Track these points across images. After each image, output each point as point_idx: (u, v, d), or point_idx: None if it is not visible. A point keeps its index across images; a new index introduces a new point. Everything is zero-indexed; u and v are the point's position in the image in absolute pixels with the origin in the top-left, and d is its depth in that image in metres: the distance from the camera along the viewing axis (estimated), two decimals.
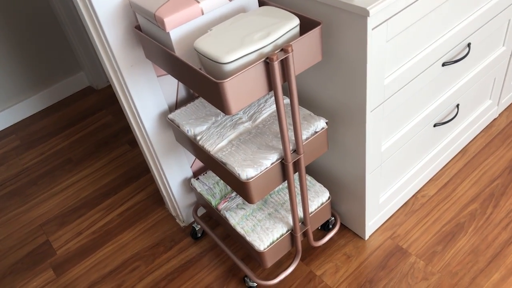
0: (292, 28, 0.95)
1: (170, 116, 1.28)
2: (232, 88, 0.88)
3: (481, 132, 1.74)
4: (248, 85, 0.90)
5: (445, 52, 1.24)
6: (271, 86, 0.95)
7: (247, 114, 1.24)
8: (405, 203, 1.54)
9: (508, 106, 1.82)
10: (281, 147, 1.10)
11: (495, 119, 1.78)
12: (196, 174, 1.56)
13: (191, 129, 1.21)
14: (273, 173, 1.09)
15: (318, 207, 1.31)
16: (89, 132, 2.16)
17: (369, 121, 1.13)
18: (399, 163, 1.39)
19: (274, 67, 0.90)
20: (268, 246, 1.23)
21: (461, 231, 1.43)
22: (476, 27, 1.29)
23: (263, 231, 1.26)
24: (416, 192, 1.57)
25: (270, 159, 1.08)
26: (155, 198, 1.75)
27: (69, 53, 2.35)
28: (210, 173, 1.48)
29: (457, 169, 1.62)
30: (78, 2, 1.07)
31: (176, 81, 1.32)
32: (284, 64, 0.93)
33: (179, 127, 1.24)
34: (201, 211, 1.64)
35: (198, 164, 1.54)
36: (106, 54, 1.16)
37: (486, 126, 1.75)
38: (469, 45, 1.31)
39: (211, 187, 1.43)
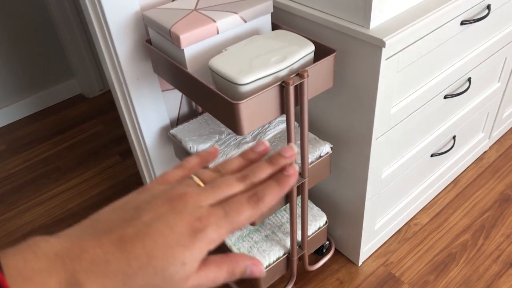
0: (308, 54, 0.95)
1: (172, 131, 1.26)
2: (246, 109, 0.88)
3: (472, 164, 1.77)
4: (262, 107, 0.90)
5: (448, 85, 1.26)
6: (283, 109, 0.94)
7: (251, 134, 1.23)
8: (398, 231, 1.55)
9: (498, 139, 1.87)
10: None
11: (485, 151, 1.82)
12: None
13: (194, 146, 1.19)
14: None
15: (316, 231, 1.31)
16: (78, 141, 2.11)
17: (374, 149, 1.14)
18: (396, 191, 1.40)
19: (289, 91, 0.90)
20: (264, 269, 1.21)
21: (453, 262, 1.44)
22: (477, 63, 1.33)
23: (260, 253, 1.25)
24: (409, 220, 1.58)
25: None
26: None
27: (61, 59, 2.31)
28: None
29: (449, 199, 1.64)
30: (89, 12, 1.06)
31: (179, 96, 1.31)
32: (299, 88, 0.93)
33: (181, 143, 1.23)
34: None
35: None
36: (113, 66, 1.15)
37: (477, 158, 1.79)
38: (469, 79, 1.34)
39: None
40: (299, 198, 1.23)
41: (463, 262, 1.44)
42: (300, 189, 1.11)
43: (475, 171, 1.74)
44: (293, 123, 0.96)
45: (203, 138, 1.22)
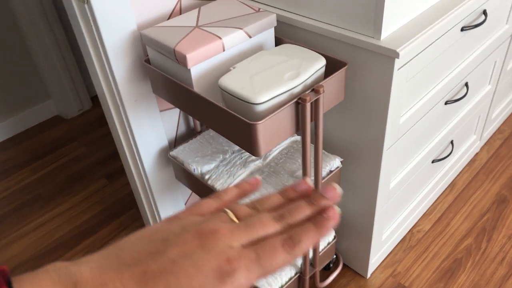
0: (320, 68, 0.92)
1: (173, 153, 1.20)
2: (264, 130, 0.84)
3: (465, 166, 1.78)
4: (278, 126, 0.86)
5: (448, 91, 1.26)
6: (298, 126, 0.91)
7: None
8: (402, 239, 1.54)
9: (488, 140, 1.89)
10: None
11: (477, 153, 1.84)
12: None
13: (197, 168, 1.14)
14: None
15: (325, 247, 1.27)
16: (60, 165, 2.01)
17: (384, 160, 1.12)
18: (401, 199, 1.38)
19: (306, 108, 0.87)
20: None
21: (459, 267, 1.44)
22: (473, 67, 1.34)
23: (271, 275, 1.20)
24: (412, 227, 1.57)
25: None
26: None
27: (36, 79, 2.21)
28: None
29: (448, 203, 1.65)
30: (83, 34, 0.99)
31: (177, 116, 1.26)
32: (313, 104, 0.89)
33: (183, 164, 1.17)
34: None
35: (193, 201, 1.46)
36: (108, 88, 1.08)
37: (470, 160, 1.81)
38: (466, 84, 1.35)
39: None
40: None
41: (469, 267, 1.44)
42: None
43: (469, 173, 1.76)
44: (309, 140, 0.92)
45: (207, 159, 1.17)
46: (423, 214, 1.61)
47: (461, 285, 1.39)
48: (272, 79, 0.88)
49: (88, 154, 2.06)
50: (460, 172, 1.76)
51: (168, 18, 1.10)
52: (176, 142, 1.29)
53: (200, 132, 1.28)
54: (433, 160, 1.43)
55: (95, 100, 2.40)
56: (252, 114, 0.86)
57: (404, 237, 1.54)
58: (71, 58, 2.19)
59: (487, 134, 1.84)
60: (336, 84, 0.95)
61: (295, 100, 0.86)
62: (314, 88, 0.88)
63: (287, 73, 0.89)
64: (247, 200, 0.39)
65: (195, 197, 1.47)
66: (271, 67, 0.92)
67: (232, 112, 0.85)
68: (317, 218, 0.35)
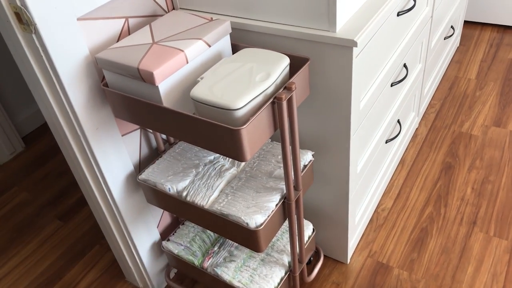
0: (286, 67, 0.94)
1: (141, 176, 1.16)
2: (248, 134, 0.84)
3: (410, 142, 1.91)
4: (259, 128, 0.87)
5: (392, 73, 1.35)
6: (276, 126, 0.92)
7: (228, 159, 1.18)
8: (371, 220, 1.61)
9: (423, 115, 2.04)
10: (280, 187, 1.07)
11: (417, 128, 1.97)
12: (164, 235, 1.42)
13: (172, 187, 1.11)
14: (277, 215, 1.05)
15: (307, 242, 1.30)
16: (3, 216, 1.85)
17: (352, 145, 1.16)
18: (365, 182, 1.45)
19: (283, 107, 0.88)
20: None
21: (427, 235, 1.53)
22: (407, 49, 1.44)
23: (262, 279, 1.20)
24: (377, 207, 1.65)
25: (274, 201, 1.04)
26: (113, 272, 1.55)
27: None
28: (180, 232, 1.36)
29: (402, 179, 1.75)
30: (32, 65, 0.93)
31: (138, 138, 1.21)
32: (288, 102, 0.91)
33: (156, 186, 1.13)
34: (171, 273, 1.50)
35: (164, 224, 1.42)
36: (66, 119, 1.02)
37: (413, 136, 1.93)
38: (405, 65, 1.45)
39: (188, 246, 1.32)
40: None
41: (435, 233, 1.53)
42: (296, 202, 1.09)
43: (415, 148, 1.88)
44: (288, 138, 0.94)
45: (180, 176, 1.14)
46: (384, 193, 1.70)
47: (432, 251, 1.48)
48: (244, 83, 0.89)
49: (32, 198, 1.92)
50: (407, 148, 1.88)
51: (118, 39, 1.06)
52: (140, 165, 1.25)
53: (165, 150, 1.25)
54: (387, 140, 1.51)
55: (28, 140, 2.24)
56: (231, 120, 0.86)
57: (372, 217, 1.61)
58: None
59: (422, 109, 1.99)
60: (303, 80, 0.97)
61: (271, 100, 0.87)
62: (286, 86, 0.90)
63: (257, 76, 0.90)
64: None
65: (167, 219, 1.42)
66: (238, 72, 0.92)
67: (214, 121, 0.84)
68: None
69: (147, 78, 0.89)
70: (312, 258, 1.47)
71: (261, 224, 1.00)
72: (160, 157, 1.22)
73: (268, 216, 1.01)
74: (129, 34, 1.08)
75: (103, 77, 1.03)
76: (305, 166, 1.13)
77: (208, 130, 0.86)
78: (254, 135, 0.86)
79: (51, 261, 1.62)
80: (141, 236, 1.31)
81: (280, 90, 0.89)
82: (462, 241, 1.50)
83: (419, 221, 1.58)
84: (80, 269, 1.58)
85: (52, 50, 0.90)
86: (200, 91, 0.88)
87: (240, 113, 0.85)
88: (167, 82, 0.92)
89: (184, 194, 1.10)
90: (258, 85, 0.88)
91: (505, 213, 1.57)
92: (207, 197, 1.08)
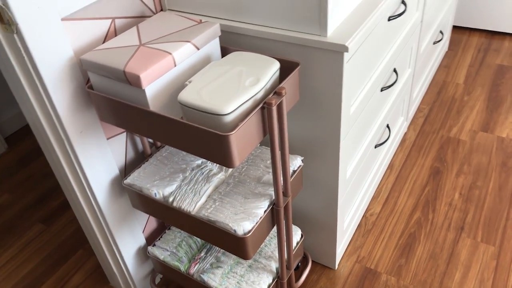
0: (276, 71, 0.93)
1: (127, 181, 1.13)
2: (237, 139, 0.82)
3: (398, 147, 1.91)
4: (248, 134, 0.85)
5: (382, 78, 1.34)
6: (265, 131, 0.90)
7: (216, 164, 1.16)
8: (359, 225, 1.60)
9: (412, 120, 2.04)
10: (269, 193, 1.05)
11: (405, 133, 1.97)
12: (149, 240, 1.40)
13: (159, 192, 1.09)
14: (266, 221, 1.04)
15: (295, 248, 1.28)
16: None
17: (341, 151, 1.15)
18: (354, 187, 1.44)
19: (272, 112, 0.86)
20: None
21: (415, 241, 1.53)
22: (397, 54, 1.43)
23: (250, 286, 1.18)
24: (365, 212, 1.64)
25: (262, 207, 1.02)
26: (97, 277, 1.52)
27: None
28: (166, 237, 1.34)
29: (391, 184, 1.74)
30: (13, 66, 0.90)
31: (124, 142, 1.19)
32: (278, 107, 0.90)
33: (141, 191, 1.11)
34: (157, 278, 1.47)
35: (150, 228, 1.39)
36: (49, 123, 0.99)
37: (401, 141, 1.93)
38: (395, 70, 1.44)
39: (174, 252, 1.29)
40: None
41: (423, 239, 1.53)
42: (285, 208, 1.08)
43: (403, 153, 1.88)
44: (277, 143, 0.92)
45: (166, 181, 1.11)
46: (372, 198, 1.69)
47: (420, 257, 1.48)
48: (233, 88, 0.87)
49: (14, 200, 1.87)
50: (395, 153, 1.88)
51: (104, 41, 1.03)
52: (126, 169, 1.22)
53: (151, 154, 1.22)
54: (376, 145, 1.51)
55: (11, 140, 2.19)
56: (219, 125, 0.84)
57: (360, 222, 1.61)
58: None
59: (411, 114, 1.99)
60: (293, 85, 0.96)
61: (260, 105, 0.86)
62: (276, 91, 0.88)
63: (247, 80, 0.88)
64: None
65: (153, 224, 1.39)
66: (227, 76, 0.90)
67: (201, 127, 0.82)
68: None
69: (133, 81, 0.87)
70: (300, 264, 1.46)
71: (249, 231, 0.98)
72: (147, 161, 1.19)
73: (256, 223, 1.00)
74: (115, 35, 1.06)
75: (88, 79, 1.01)
76: (294, 171, 1.12)
77: (196, 136, 0.84)
78: (243, 141, 0.84)
79: (33, 265, 1.58)
80: (126, 241, 1.28)
81: (270, 95, 0.88)
82: (449, 247, 1.50)
83: (407, 226, 1.58)
84: (63, 274, 1.54)
85: (34, 51, 0.87)
86: (188, 95, 0.86)
87: (229, 119, 0.83)
88: (154, 85, 0.89)
89: (171, 199, 1.07)
90: (247, 90, 0.86)
91: (492, 219, 1.57)
92: (194, 202, 1.05)
